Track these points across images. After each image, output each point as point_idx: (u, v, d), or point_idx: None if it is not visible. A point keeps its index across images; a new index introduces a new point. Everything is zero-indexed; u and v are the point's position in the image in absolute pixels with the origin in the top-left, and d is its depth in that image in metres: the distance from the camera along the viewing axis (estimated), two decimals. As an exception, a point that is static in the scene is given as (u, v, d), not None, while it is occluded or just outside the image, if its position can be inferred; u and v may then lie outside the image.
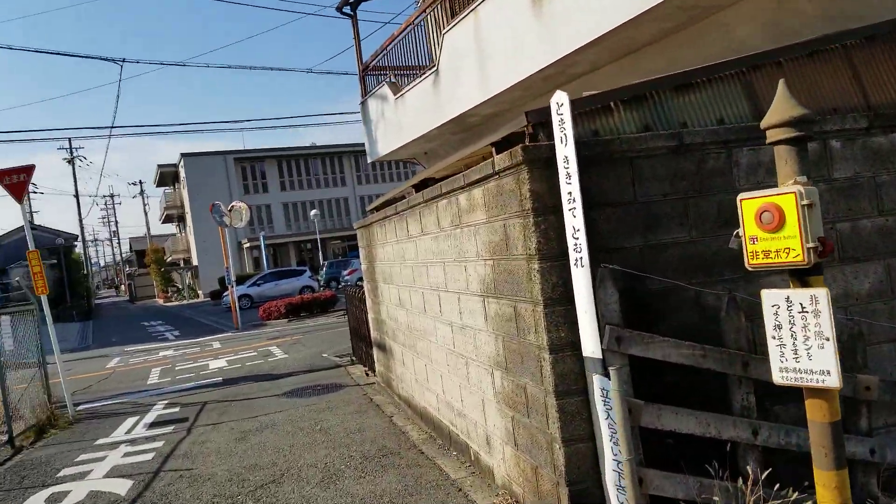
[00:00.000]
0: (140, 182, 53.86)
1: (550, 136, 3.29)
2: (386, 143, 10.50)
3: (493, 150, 3.93)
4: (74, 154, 45.90)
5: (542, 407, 3.41)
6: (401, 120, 9.93)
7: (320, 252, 39.41)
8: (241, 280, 31.71)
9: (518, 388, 3.71)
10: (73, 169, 45.12)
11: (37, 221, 54.86)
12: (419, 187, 5.81)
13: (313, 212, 38.00)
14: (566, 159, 3.16)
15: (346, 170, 48.07)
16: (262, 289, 28.54)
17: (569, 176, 3.15)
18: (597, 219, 3.33)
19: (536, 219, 3.29)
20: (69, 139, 44.65)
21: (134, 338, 21.47)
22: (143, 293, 53.42)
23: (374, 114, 10.85)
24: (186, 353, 15.59)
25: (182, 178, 44.87)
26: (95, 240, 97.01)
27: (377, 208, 7.67)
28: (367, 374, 9.56)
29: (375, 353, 8.54)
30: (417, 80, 9.17)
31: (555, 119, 3.22)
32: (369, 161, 11.31)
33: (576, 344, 3.24)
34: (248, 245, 41.72)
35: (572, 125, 3.14)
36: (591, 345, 3.15)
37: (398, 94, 9.94)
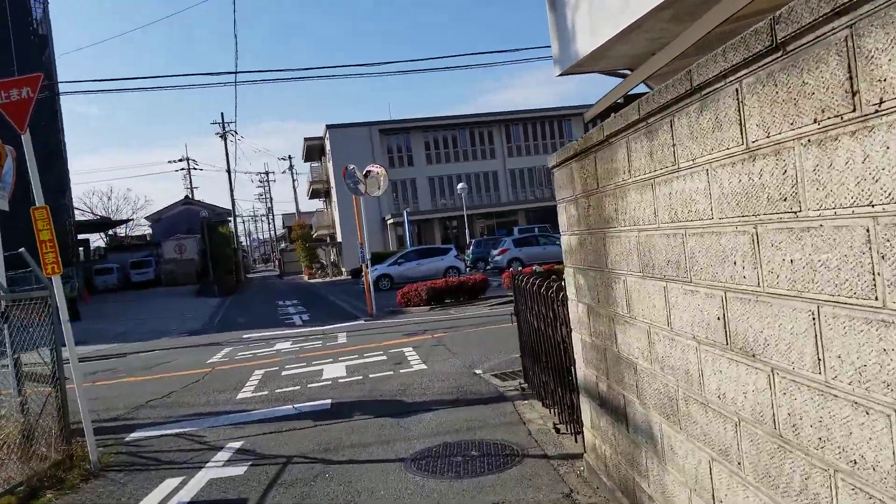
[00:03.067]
0: (289, 157, 53.72)
1: None
2: (594, 32, 6.16)
3: None
4: (227, 129, 46.12)
5: None
6: (627, -18, 5.55)
7: (466, 229, 35.96)
8: (382, 258, 29.01)
9: None
10: (226, 143, 45.40)
11: (197, 197, 56.88)
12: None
13: (460, 185, 34.59)
14: None
15: (496, 141, 44.14)
16: (402, 268, 25.47)
17: None
18: None
19: None
20: (221, 114, 44.76)
21: (260, 321, 19.10)
22: (291, 269, 53.52)
23: (572, -12, 6.52)
24: (304, 347, 12.45)
25: (327, 152, 43.46)
26: (255, 216, 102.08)
27: (614, 108, 3.47)
28: (557, 431, 5.43)
29: (589, 408, 4.35)
30: None
31: None
32: (557, 74, 7.06)
33: None
34: (391, 221, 39.32)
35: None
36: None
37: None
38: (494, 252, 28.13)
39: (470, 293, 17.50)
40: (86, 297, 35.10)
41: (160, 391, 9.50)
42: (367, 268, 17.67)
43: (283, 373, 9.95)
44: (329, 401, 7.72)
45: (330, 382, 8.81)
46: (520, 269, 25.11)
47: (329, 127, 41.53)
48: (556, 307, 4.95)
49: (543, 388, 5.99)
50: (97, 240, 58.58)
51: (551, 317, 5.17)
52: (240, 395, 8.60)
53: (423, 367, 9.16)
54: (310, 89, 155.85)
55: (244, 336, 15.65)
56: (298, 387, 8.74)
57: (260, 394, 8.57)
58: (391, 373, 8.99)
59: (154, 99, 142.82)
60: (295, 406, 7.62)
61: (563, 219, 4.36)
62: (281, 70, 36.00)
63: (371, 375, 8.94)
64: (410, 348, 10.81)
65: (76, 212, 42.95)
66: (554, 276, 6.71)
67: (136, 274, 44.70)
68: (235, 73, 20.38)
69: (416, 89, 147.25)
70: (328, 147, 42.20)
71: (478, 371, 8.46)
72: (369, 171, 17.75)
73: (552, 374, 5.47)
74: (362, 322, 15.99)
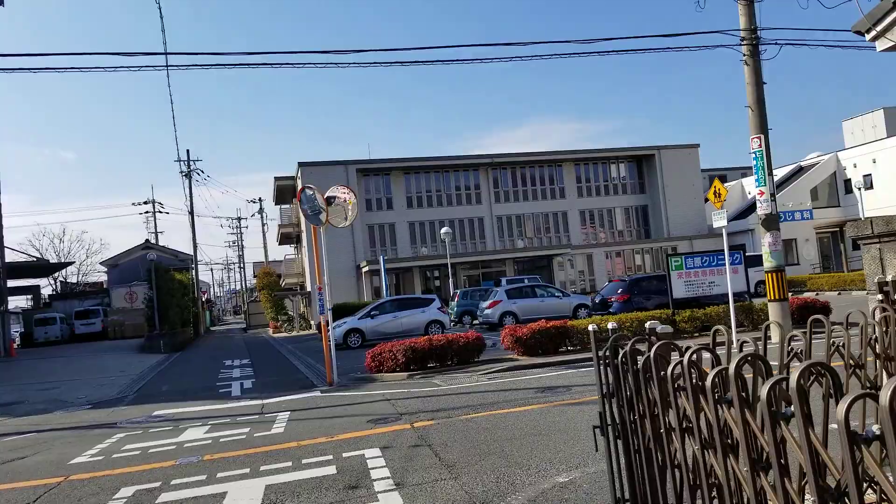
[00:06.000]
0: (259, 200, 49.84)
1: None
2: None
3: None
4: (192, 167, 42.40)
5: None
6: None
7: (450, 279, 32.13)
8: (353, 310, 25.01)
9: None
10: (189, 182, 41.55)
11: (161, 242, 52.62)
12: None
13: (444, 229, 31.06)
14: None
15: (483, 185, 40.87)
16: (376, 322, 21.45)
17: None
18: None
19: None
20: (188, 150, 41.13)
21: (190, 389, 14.84)
22: (258, 321, 48.94)
23: None
24: (221, 440, 8.35)
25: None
26: (227, 265, 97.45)
27: None
28: None
29: None
30: None
31: None
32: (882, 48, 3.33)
33: None
34: (366, 269, 35.38)
35: None
36: None
37: None
38: (484, 304, 24.27)
39: (460, 355, 13.56)
40: (11, 351, 30.39)
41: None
42: (328, 320, 13.65)
43: (161, 497, 5.88)
44: None
45: (225, 532, 4.78)
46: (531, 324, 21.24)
47: (302, 165, 37.97)
48: None
49: None
50: (47, 286, 53.63)
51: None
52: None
53: (398, 500, 5.18)
54: (284, 135, 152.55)
55: (155, 413, 11.45)
56: (166, 541, 4.70)
57: (86, 559, 4.50)
58: (339, 512, 5.00)
59: (125, 149, 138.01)
60: None
61: None
62: (220, 54, 30.31)
63: (302, 517, 4.94)
64: (377, 451, 6.80)
65: (13, 253, 38.40)
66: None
67: (81, 325, 40.00)
68: (166, 53, 16.39)
69: (397, 130, 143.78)
70: (300, 187, 38.63)
71: (502, 522, 4.52)
72: (334, 197, 13.98)
73: None
74: (317, 394, 11.90)
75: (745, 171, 47.57)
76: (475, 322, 26.09)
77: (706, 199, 46.72)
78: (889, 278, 4.09)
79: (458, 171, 40.82)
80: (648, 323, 3.23)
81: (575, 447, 6.23)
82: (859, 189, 28.60)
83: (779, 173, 40.80)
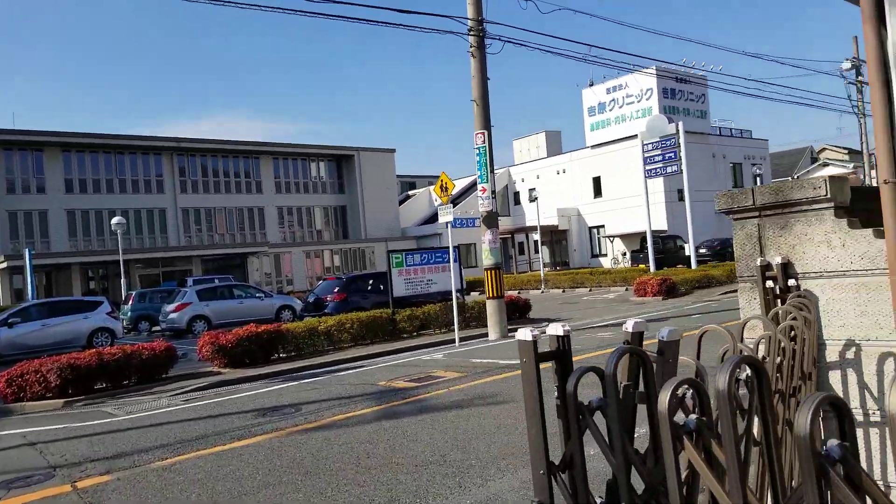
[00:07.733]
0: None
1: None
2: None
3: None
4: None
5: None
6: None
7: (123, 279, 27.05)
8: (-20, 318, 18.89)
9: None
10: None
11: None
12: None
13: (116, 219, 26.09)
14: None
15: (166, 173, 35.80)
16: (16, 333, 16.33)
17: None
18: None
19: None
20: None
21: None
22: None
23: None
24: None
25: None
26: None
27: None
28: None
29: None
30: None
31: None
32: None
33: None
34: (5, 265, 27.83)
35: None
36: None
37: None
38: (169, 308, 20.50)
39: (143, 372, 10.54)
40: None
41: None
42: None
43: None
44: None
45: None
46: (207, 329, 18.36)
47: None
48: None
49: None
50: None
51: None
52: None
53: None
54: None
55: None
56: None
57: None
58: None
59: None
60: None
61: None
62: None
63: None
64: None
65: None
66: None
67: None
68: None
69: (51, 105, 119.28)
70: None
71: None
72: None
73: None
74: None
75: (430, 180, 50.68)
76: (155, 328, 22.11)
77: (401, 203, 48.62)
78: (777, 261, 3.20)
79: (135, 155, 35.03)
80: (631, 323, 1.75)
81: (337, 499, 4.47)
82: (534, 201, 32.19)
83: (461, 183, 44.29)
